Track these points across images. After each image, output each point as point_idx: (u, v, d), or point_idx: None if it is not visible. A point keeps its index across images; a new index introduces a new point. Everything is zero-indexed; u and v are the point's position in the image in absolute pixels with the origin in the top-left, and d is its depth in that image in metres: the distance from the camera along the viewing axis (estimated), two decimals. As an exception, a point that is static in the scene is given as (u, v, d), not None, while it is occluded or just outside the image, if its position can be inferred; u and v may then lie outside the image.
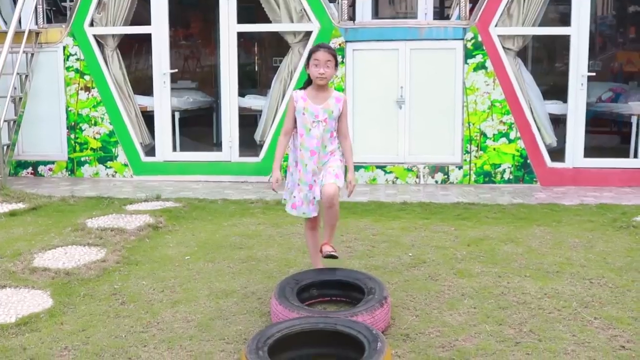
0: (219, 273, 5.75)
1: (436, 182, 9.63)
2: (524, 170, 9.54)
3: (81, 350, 4.41)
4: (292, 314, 4.34)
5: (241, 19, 9.85)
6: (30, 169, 10.42)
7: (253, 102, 10.90)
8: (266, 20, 9.95)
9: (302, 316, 4.29)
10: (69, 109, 10.17)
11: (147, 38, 10.18)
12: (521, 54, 9.92)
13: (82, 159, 10.24)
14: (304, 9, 9.61)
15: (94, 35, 10.05)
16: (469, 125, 9.55)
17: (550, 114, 9.88)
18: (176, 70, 10.82)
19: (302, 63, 9.38)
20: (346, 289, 4.92)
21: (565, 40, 9.64)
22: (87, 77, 10.09)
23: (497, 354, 4.26)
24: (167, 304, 5.14)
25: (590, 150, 9.64)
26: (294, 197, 5.14)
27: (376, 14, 13.37)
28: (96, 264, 5.93)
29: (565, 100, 9.63)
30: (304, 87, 5.12)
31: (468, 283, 5.43)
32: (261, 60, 14.54)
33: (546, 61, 13.69)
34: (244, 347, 3.88)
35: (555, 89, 10.98)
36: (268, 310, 4.88)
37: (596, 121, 11.16)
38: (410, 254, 6.15)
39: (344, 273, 5.05)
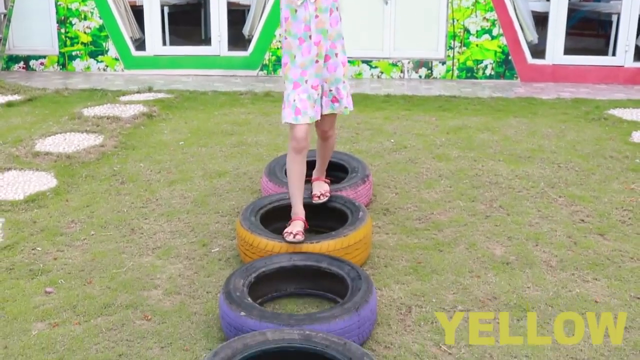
0: (212, 156, 6.10)
1: (420, 76, 9.92)
2: (505, 67, 9.82)
3: (87, 223, 4.79)
4: (281, 189, 4.71)
5: None
6: (22, 64, 10.57)
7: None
8: None
9: (290, 191, 4.64)
10: (58, 3, 10.24)
11: None
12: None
13: (73, 53, 10.40)
14: None
15: None
16: (453, 22, 9.76)
17: (532, 12, 10.08)
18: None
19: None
20: (331, 169, 5.25)
21: (549, -64, 9.74)
22: (75, -29, 10.15)
23: (468, 225, 4.69)
24: (164, 183, 5.50)
25: (571, 50, 9.90)
26: (294, 100, 4.07)
27: None
28: (95, 149, 6.26)
29: (548, -2, 9.83)
30: None
31: (445, 166, 5.82)
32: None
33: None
34: (239, 215, 4.27)
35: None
36: (259, 188, 5.26)
37: (583, 24, 11.35)
38: (392, 140, 6.52)
39: (329, 155, 5.39)
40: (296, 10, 4.02)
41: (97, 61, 10.37)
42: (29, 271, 4.10)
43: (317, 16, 4.00)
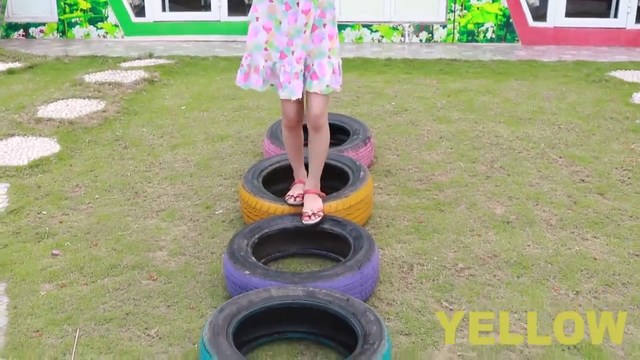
0: (213, 120, 6.13)
1: (421, 40, 9.89)
2: (506, 30, 9.79)
3: (91, 187, 4.84)
4: (283, 151, 4.73)
5: None
6: (21, 31, 10.54)
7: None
8: None
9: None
10: (57, -31, 10.20)
11: None
12: None
13: (73, 20, 10.37)
14: None
15: None
16: (454, -15, 9.72)
17: (534, -27, 10.04)
18: None
19: None
20: (334, 132, 5.27)
21: None
22: (73, -64, 10.08)
23: (469, 186, 4.73)
24: (166, 147, 5.54)
25: (572, 12, 9.86)
26: (249, 65, 3.80)
27: None
28: (97, 114, 6.28)
29: (549, -41, 9.77)
30: None
31: (446, 128, 5.85)
32: None
33: None
34: (241, 178, 4.31)
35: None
36: (261, 151, 5.29)
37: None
38: (393, 103, 6.53)
39: (331, 117, 5.39)
40: (280, 23, 3.66)
41: (97, 28, 10.34)
42: (35, 234, 4.16)
43: (304, 32, 3.62)
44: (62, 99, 6.74)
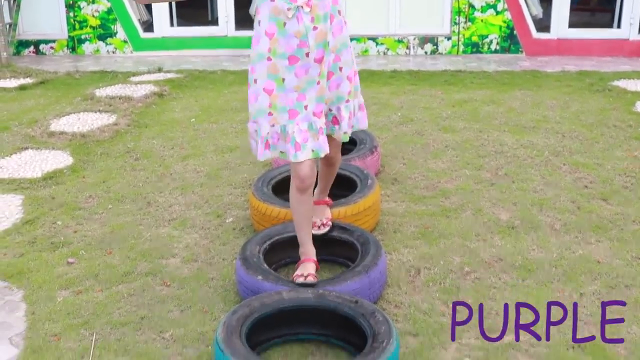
0: (223, 132, 6.24)
1: (425, 52, 10.01)
2: (510, 41, 9.90)
3: (104, 198, 4.95)
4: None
5: None
6: (32, 48, 10.71)
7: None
8: None
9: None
10: (67, -14, 10.38)
11: None
12: None
13: (82, 36, 10.53)
14: None
15: None
16: (458, -3, 9.84)
17: (537, -15, 10.15)
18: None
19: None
20: (340, 142, 5.40)
21: None
22: (83, -46, 10.26)
23: (474, 192, 4.82)
24: (177, 158, 5.65)
25: (576, 23, 9.97)
26: (293, 132, 3.28)
27: None
28: (109, 127, 6.41)
29: (552, -29, 9.89)
30: None
31: (451, 137, 5.94)
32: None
33: None
34: (251, 186, 4.41)
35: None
36: (270, 161, 5.38)
37: None
38: (399, 114, 6.64)
39: (338, 128, 5.52)
40: (285, 24, 3.19)
41: (106, 44, 10.50)
42: (51, 244, 4.26)
43: (315, 27, 3.20)
44: (74, 113, 6.87)
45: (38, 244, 4.26)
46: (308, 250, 3.56)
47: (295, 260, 3.92)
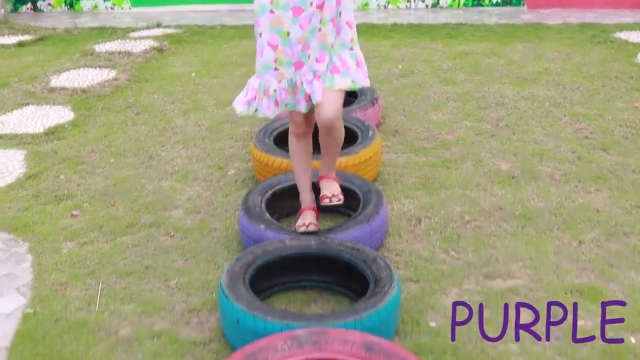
0: (223, 86, 6.24)
1: (426, 5, 9.93)
2: (512, -7, 9.83)
3: (106, 152, 4.96)
4: (293, 114, 4.83)
5: None
6: (29, 5, 10.62)
7: None
8: None
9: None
10: (63, -59, 10.26)
11: None
12: None
13: (80, -8, 10.44)
14: None
15: None
16: (459, -51, 9.73)
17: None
18: None
19: None
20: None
21: None
22: None
23: (475, 144, 4.84)
24: (178, 112, 5.65)
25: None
26: (258, 89, 3.26)
27: None
28: (109, 82, 6.40)
29: None
30: None
31: (452, 89, 5.94)
32: None
33: None
34: (253, 138, 4.43)
35: None
36: (271, 114, 5.39)
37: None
38: (400, 67, 6.62)
39: (338, 81, 5.51)
40: (289, 34, 3.11)
41: (104, 0, 10.41)
42: (55, 197, 4.29)
43: (320, 29, 3.11)
44: (74, 69, 6.85)
45: (42, 197, 4.29)
46: (306, 198, 3.56)
47: (297, 210, 3.96)
